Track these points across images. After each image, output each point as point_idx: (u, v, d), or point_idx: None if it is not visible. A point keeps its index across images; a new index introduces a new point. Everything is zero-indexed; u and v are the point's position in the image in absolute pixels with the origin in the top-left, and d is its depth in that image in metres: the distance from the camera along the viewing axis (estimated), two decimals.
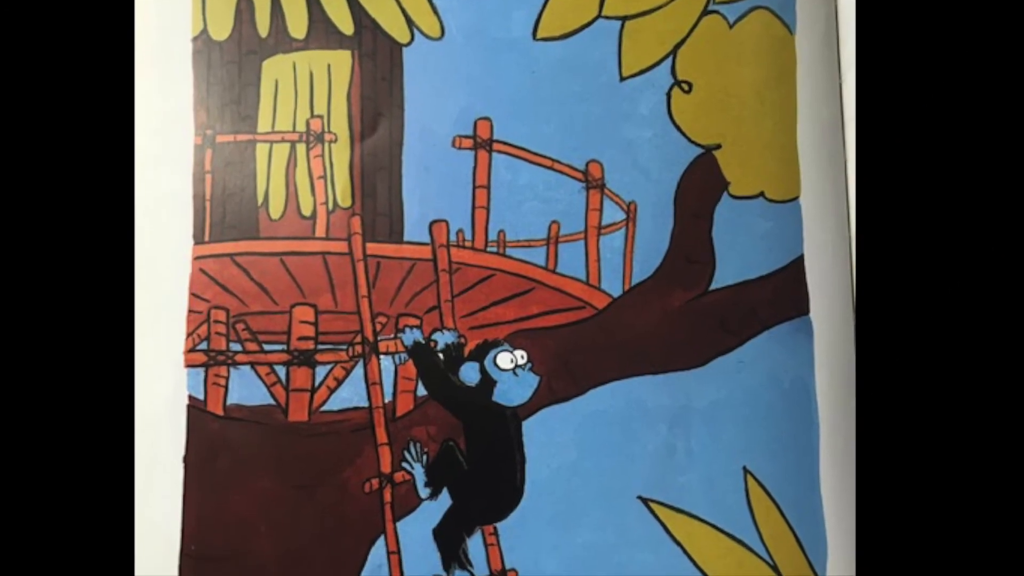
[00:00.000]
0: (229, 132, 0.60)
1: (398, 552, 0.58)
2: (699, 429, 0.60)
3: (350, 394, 0.59)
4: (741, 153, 0.62)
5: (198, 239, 0.59)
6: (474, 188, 0.61)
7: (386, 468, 0.59)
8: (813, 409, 0.60)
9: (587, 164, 0.61)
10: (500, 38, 0.62)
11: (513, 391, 0.59)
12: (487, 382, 0.59)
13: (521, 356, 0.59)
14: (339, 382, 0.59)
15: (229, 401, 0.59)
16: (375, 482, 0.58)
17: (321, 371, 0.59)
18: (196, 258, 0.59)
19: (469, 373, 0.60)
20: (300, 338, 0.59)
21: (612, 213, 0.61)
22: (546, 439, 0.59)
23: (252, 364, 0.59)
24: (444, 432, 0.59)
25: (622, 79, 0.62)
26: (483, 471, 0.59)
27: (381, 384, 0.59)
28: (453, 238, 0.60)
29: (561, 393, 0.60)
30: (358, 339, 0.59)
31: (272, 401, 0.59)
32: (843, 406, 0.60)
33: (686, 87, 0.62)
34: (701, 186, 0.62)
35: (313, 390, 0.59)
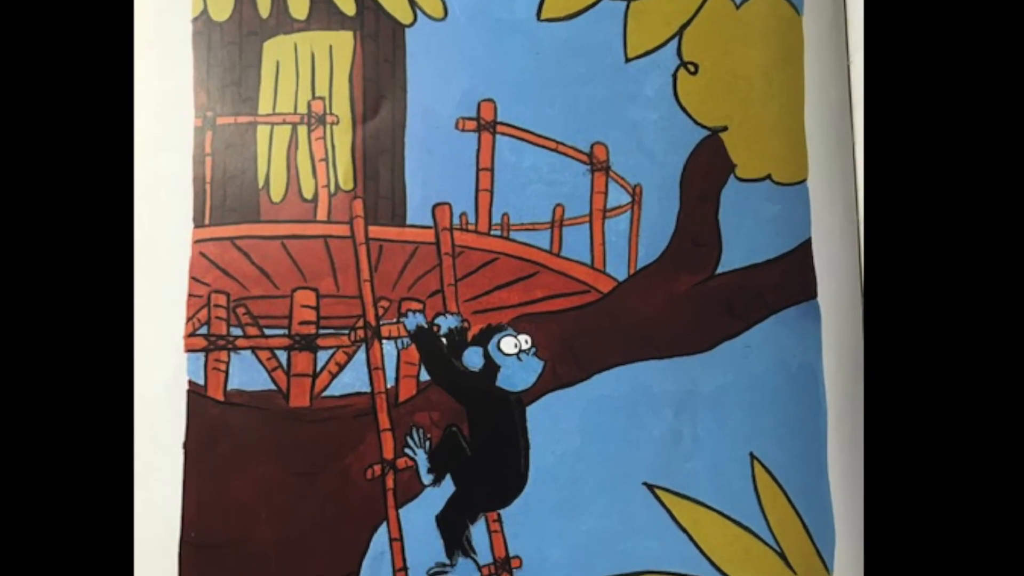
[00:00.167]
0: (230, 114, 0.60)
1: (400, 539, 0.57)
2: (705, 414, 0.59)
3: (352, 379, 0.59)
4: (748, 135, 0.62)
5: (198, 222, 0.59)
6: (478, 171, 0.60)
7: (388, 454, 0.58)
8: (821, 394, 0.60)
9: (592, 146, 0.61)
10: (504, 19, 0.61)
11: (517, 376, 0.59)
12: (491, 367, 0.59)
13: (525, 341, 0.59)
14: (341, 367, 0.59)
15: (229, 386, 0.58)
16: (377, 468, 0.58)
17: (323, 356, 0.59)
18: (196, 241, 0.59)
19: (472, 358, 0.59)
20: (301, 322, 0.59)
21: (617, 196, 0.61)
22: (550, 425, 0.59)
23: (253, 349, 0.58)
24: (447, 418, 0.59)
25: (627, 60, 0.61)
26: (487, 457, 0.58)
27: (383, 369, 0.59)
28: (456, 221, 0.60)
29: (565, 378, 0.59)
30: (360, 323, 0.59)
31: (273, 386, 0.58)
32: (851, 391, 0.60)
33: (692, 68, 0.62)
34: (707, 169, 0.61)
35: (315, 375, 0.58)
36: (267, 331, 0.59)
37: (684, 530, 0.58)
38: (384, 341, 0.59)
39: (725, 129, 0.61)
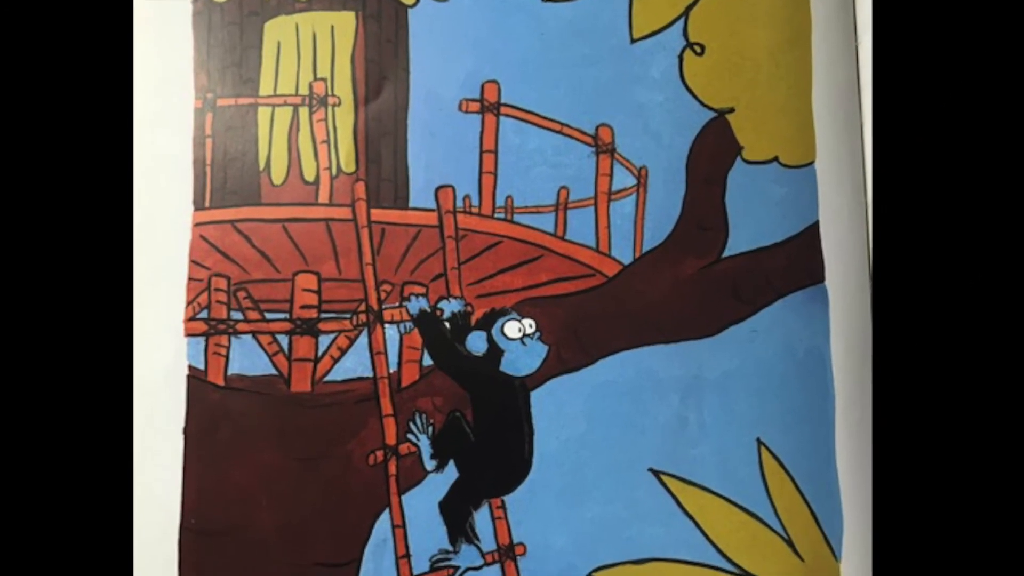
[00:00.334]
0: (230, 95, 0.59)
1: (403, 526, 0.57)
2: (711, 400, 0.59)
3: (354, 364, 0.58)
4: (755, 117, 0.61)
5: (198, 205, 0.59)
6: (481, 153, 0.59)
7: (391, 440, 0.58)
8: (828, 379, 0.59)
9: (597, 128, 0.60)
10: None
11: (521, 361, 0.58)
12: (494, 352, 0.58)
13: (529, 325, 0.58)
14: (343, 352, 0.58)
15: (230, 371, 0.58)
16: (379, 454, 0.57)
17: (324, 340, 0.58)
18: (196, 224, 0.58)
19: (476, 342, 0.58)
20: (303, 306, 0.58)
21: (622, 178, 0.60)
22: (555, 410, 0.58)
23: (254, 333, 0.58)
24: (450, 403, 0.58)
25: (633, 41, 0.61)
26: (490, 443, 0.58)
27: (386, 354, 0.58)
28: (460, 204, 0.59)
29: (570, 363, 0.59)
30: (362, 308, 0.58)
31: (274, 371, 0.58)
32: (859, 376, 0.59)
33: (698, 49, 0.61)
34: (714, 151, 0.60)
35: (316, 360, 0.58)
36: (268, 315, 0.58)
37: (690, 517, 0.58)
38: (386, 325, 0.58)
39: (732, 111, 0.61)
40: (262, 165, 0.59)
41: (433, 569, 0.57)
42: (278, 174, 0.59)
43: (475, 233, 0.59)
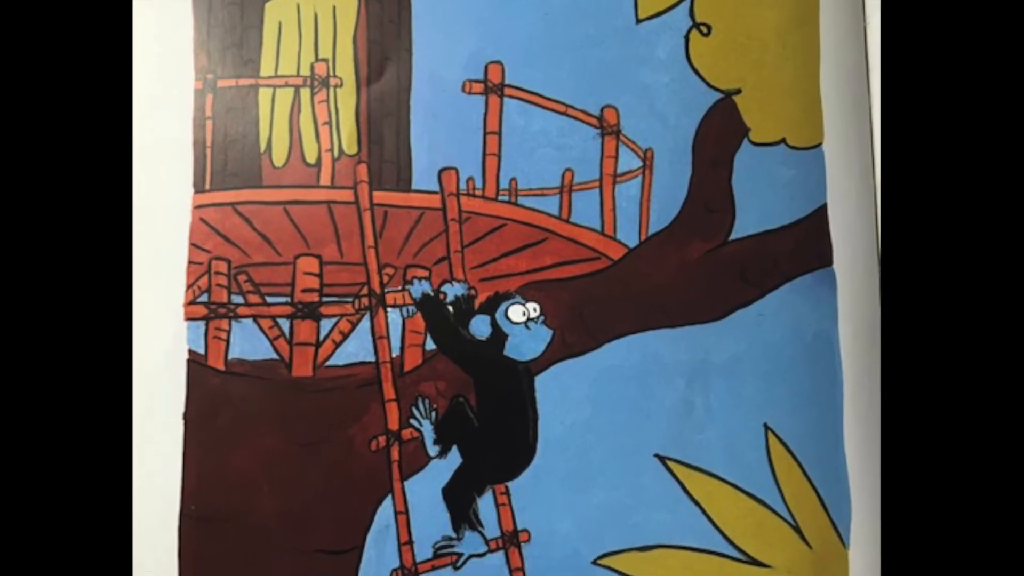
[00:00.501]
0: (231, 76, 0.59)
1: (406, 512, 0.57)
2: (718, 384, 0.58)
3: (356, 348, 0.58)
4: (762, 98, 0.60)
5: (198, 187, 0.58)
6: (485, 134, 0.59)
7: (393, 425, 0.57)
8: (836, 363, 0.59)
9: (602, 110, 0.60)
10: None
11: (525, 345, 0.58)
12: (498, 336, 0.58)
13: (534, 309, 0.58)
14: (345, 336, 0.58)
15: (230, 355, 0.57)
16: (382, 439, 0.57)
17: (326, 324, 0.58)
18: (196, 207, 0.58)
19: (480, 326, 0.58)
20: (304, 290, 0.58)
21: (628, 160, 0.60)
22: (560, 395, 0.58)
23: (254, 317, 0.58)
24: (454, 388, 0.58)
25: (638, 21, 0.60)
26: (494, 428, 0.57)
27: (388, 338, 0.58)
28: (463, 186, 0.59)
29: (575, 347, 0.58)
30: (364, 291, 0.58)
31: (275, 355, 0.58)
32: (868, 360, 0.59)
33: (705, 30, 0.61)
34: (720, 132, 0.60)
35: (318, 344, 0.58)
36: (269, 299, 0.58)
37: (696, 503, 0.57)
38: (389, 309, 0.58)
39: (739, 92, 0.60)
40: (263, 147, 0.59)
41: (436, 556, 0.56)
42: (279, 156, 0.59)
43: (479, 216, 0.59)
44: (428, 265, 0.58)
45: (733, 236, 0.60)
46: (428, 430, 0.57)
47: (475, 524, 0.57)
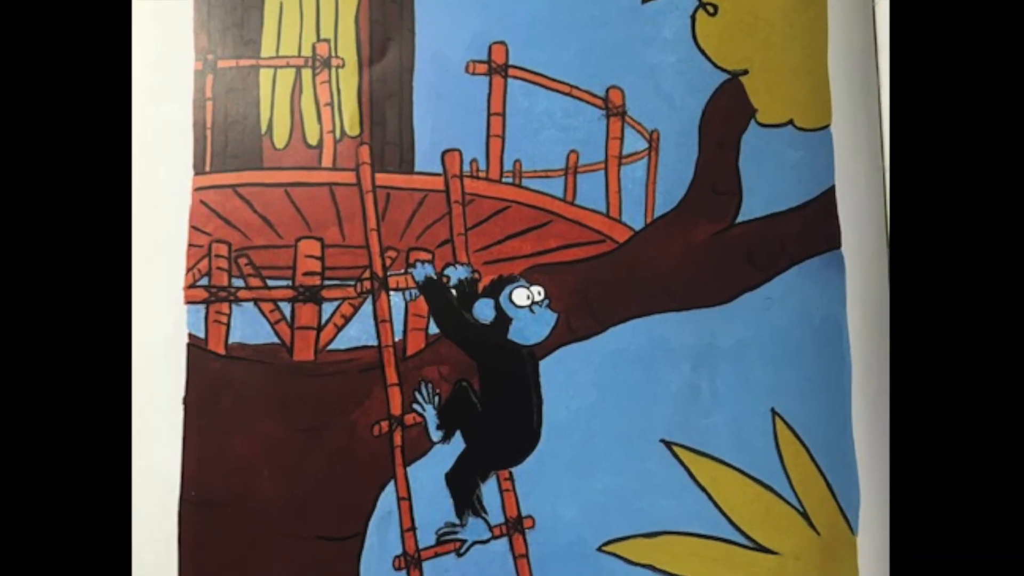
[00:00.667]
0: (231, 57, 0.58)
1: (408, 498, 0.56)
2: (725, 369, 0.58)
3: (358, 332, 0.57)
4: (769, 79, 0.60)
5: (199, 169, 0.58)
6: (489, 116, 0.59)
7: (396, 410, 0.57)
8: (845, 348, 0.58)
9: (607, 91, 0.59)
10: None
11: (530, 329, 0.57)
12: (502, 319, 0.57)
13: (538, 292, 0.57)
14: (347, 320, 0.57)
15: (231, 339, 0.57)
16: (384, 425, 0.57)
17: (328, 308, 0.57)
18: (196, 189, 0.57)
19: (483, 310, 0.57)
20: (306, 273, 0.57)
21: (633, 142, 0.59)
22: (564, 379, 0.57)
23: (255, 301, 0.57)
24: (457, 372, 0.57)
25: (644, 1, 0.60)
26: (498, 413, 0.57)
27: (391, 322, 0.57)
28: (467, 168, 0.58)
29: (580, 331, 0.58)
30: (367, 274, 0.57)
31: (276, 339, 0.57)
32: (876, 344, 0.58)
33: (711, 9, 0.60)
34: (727, 114, 0.60)
35: (319, 328, 0.57)
36: (270, 282, 0.57)
37: (703, 489, 0.57)
38: (391, 293, 0.57)
39: (745, 72, 0.60)
40: (264, 128, 0.58)
41: (439, 543, 0.56)
42: (280, 137, 0.58)
43: (482, 198, 0.58)
44: (431, 248, 0.58)
45: (740, 218, 0.59)
46: (431, 415, 0.57)
47: (479, 510, 0.56)
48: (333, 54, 0.59)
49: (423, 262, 0.58)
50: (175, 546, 0.55)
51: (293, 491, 0.56)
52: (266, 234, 0.57)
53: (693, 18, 0.60)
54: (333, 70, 0.59)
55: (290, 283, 0.57)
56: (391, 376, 0.57)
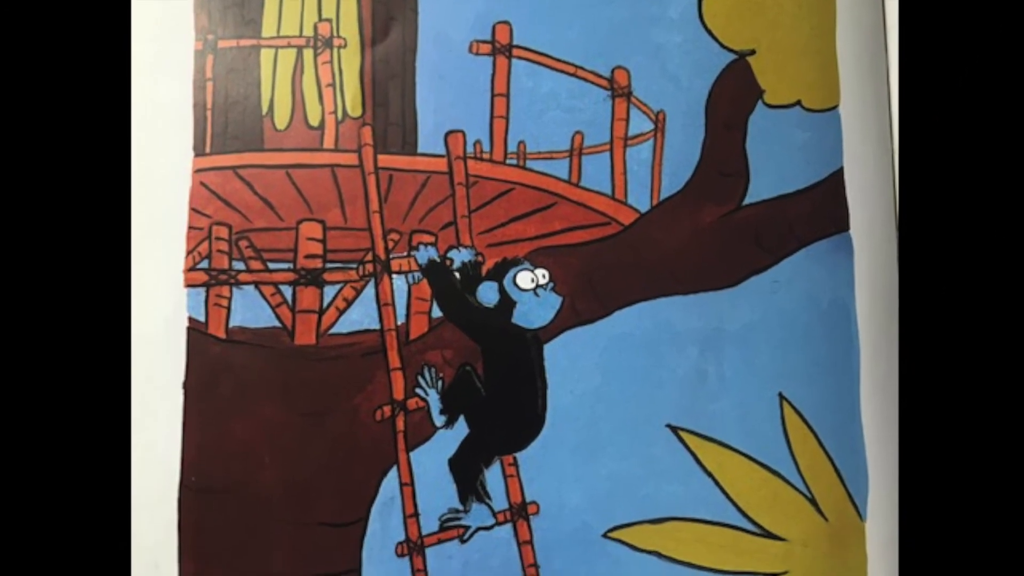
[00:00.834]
0: (232, 37, 0.58)
1: (411, 483, 0.56)
2: (732, 353, 0.57)
3: (360, 316, 0.57)
4: (777, 59, 0.59)
5: (199, 151, 0.57)
6: (492, 96, 0.58)
7: (399, 394, 0.56)
8: (853, 332, 0.58)
9: (613, 71, 0.59)
10: None
11: (534, 312, 0.57)
12: (506, 303, 0.57)
13: (542, 275, 0.57)
14: (349, 303, 0.57)
15: (232, 323, 0.56)
16: (387, 409, 0.56)
17: (329, 291, 0.57)
18: (196, 171, 0.57)
19: (487, 293, 0.57)
20: (307, 256, 0.57)
21: (639, 123, 0.59)
22: (569, 363, 0.57)
23: (256, 284, 0.57)
24: (460, 356, 0.57)
25: None
26: (502, 398, 0.56)
27: (393, 305, 0.57)
28: (470, 150, 0.58)
29: (585, 315, 0.57)
30: (369, 257, 0.57)
31: (277, 323, 0.56)
32: (885, 328, 0.58)
33: None
34: (734, 94, 0.59)
35: (321, 311, 0.57)
36: (271, 265, 0.57)
37: (709, 474, 0.56)
38: (394, 276, 0.57)
39: (753, 52, 0.59)
40: (265, 109, 0.57)
41: (443, 529, 0.55)
42: (281, 118, 0.57)
43: (486, 180, 0.58)
44: (434, 230, 0.57)
45: (747, 201, 0.58)
46: (434, 399, 0.56)
47: (482, 496, 0.56)
48: (335, 34, 0.58)
49: (426, 245, 0.57)
50: (175, 533, 0.54)
51: (294, 477, 0.55)
52: (267, 216, 0.57)
53: None
54: (335, 50, 0.58)
55: (291, 266, 0.57)
56: (394, 360, 0.56)
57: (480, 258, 0.57)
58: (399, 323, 0.57)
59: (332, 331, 0.56)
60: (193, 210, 0.56)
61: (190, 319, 0.56)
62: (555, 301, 0.57)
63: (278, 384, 0.56)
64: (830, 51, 0.60)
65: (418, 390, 0.56)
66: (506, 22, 0.58)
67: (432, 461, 0.56)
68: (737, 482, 0.56)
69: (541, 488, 0.56)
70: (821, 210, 0.58)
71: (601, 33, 0.59)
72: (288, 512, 0.55)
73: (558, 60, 0.58)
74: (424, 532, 0.55)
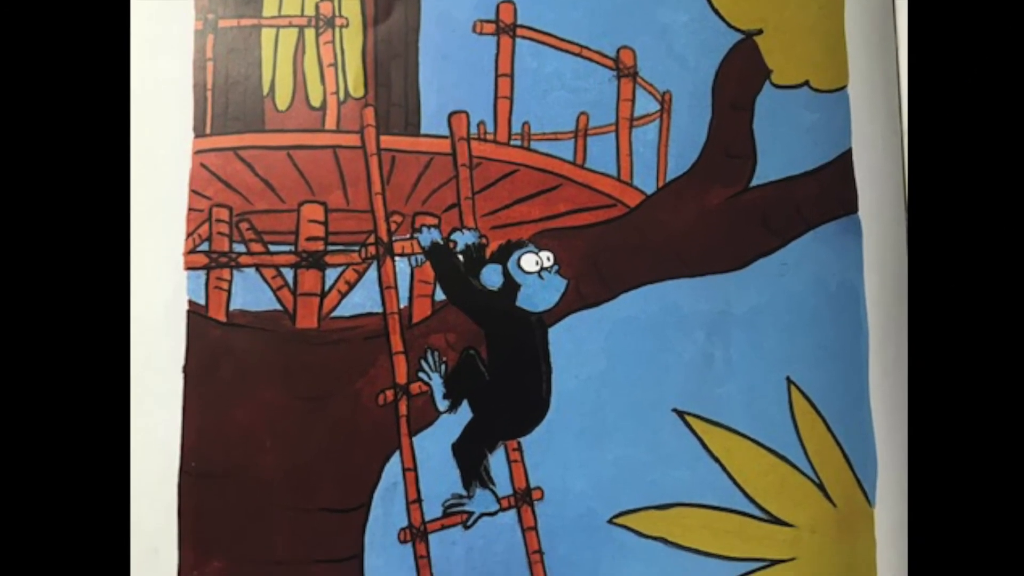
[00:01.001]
0: (232, 16, 0.57)
1: (414, 469, 0.55)
2: (739, 336, 0.57)
3: (363, 299, 0.56)
4: (784, 39, 0.59)
5: (199, 132, 0.57)
6: (496, 77, 0.57)
7: (401, 379, 0.56)
8: (862, 315, 0.57)
9: (618, 51, 0.58)
10: None
11: (538, 295, 0.56)
12: (510, 286, 0.56)
13: (547, 258, 0.56)
14: (351, 286, 0.56)
15: (232, 306, 0.56)
16: (390, 394, 0.55)
17: (331, 274, 0.56)
18: (197, 152, 0.56)
19: (491, 276, 0.56)
20: (309, 238, 0.56)
21: (645, 104, 0.58)
22: (574, 347, 0.56)
23: (257, 266, 0.56)
24: (464, 340, 0.56)
25: None
26: (506, 382, 0.56)
27: (396, 288, 0.56)
28: (474, 131, 0.57)
29: (590, 298, 0.57)
30: (371, 240, 0.56)
31: (278, 306, 0.56)
32: (894, 311, 0.57)
33: None
34: (741, 75, 0.58)
35: (323, 295, 0.56)
36: (272, 247, 0.56)
37: (716, 459, 0.56)
38: (397, 258, 0.56)
39: (760, 32, 0.59)
40: (266, 90, 0.57)
41: (446, 515, 0.55)
42: (283, 99, 0.57)
43: (490, 161, 0.57)
44: (437, 212, 0.57)
45: (754, 182, 0.58)
46: (437, 384, 0.56)
47: (486, 481, 0.55)
48: (337, 13, 0.58)
49: (429, 227, 0.56)
50: (175, 519, 0.54)
51: (296, 462, 0.54)
52: (268, 198, 0.56)
53: None
54: (337, 30, 0.57)
55: (293, 248, 0.56)
56: (396, 344, 0.55)
57: (484, 240, 0.57)
58: (402, 306, 0.56)
59: (334, 314, 0.56)
60: (193, 192, 0.56)
61: (190, 302, 0.55)
62: (560, 284, 0.56)
63: (279, 368, 0.55)
64: (838, 30, 0.59)
65: (421, 374, 0.56)
66: (510, 1, 0.58)
67: (435, 446, 0.55)
68: (744, 467, 0.56)
69: (546, 473, 0.55)
70: (829, 192, 0.58)
71: (606, 12, 0.58)
72: (289, 498, 0.54)
73: (563, 40, 0.58)
74: (427, 518, 0.55)
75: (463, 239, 0.56)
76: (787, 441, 0.56)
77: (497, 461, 0.55)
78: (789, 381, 0.56)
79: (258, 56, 0.57)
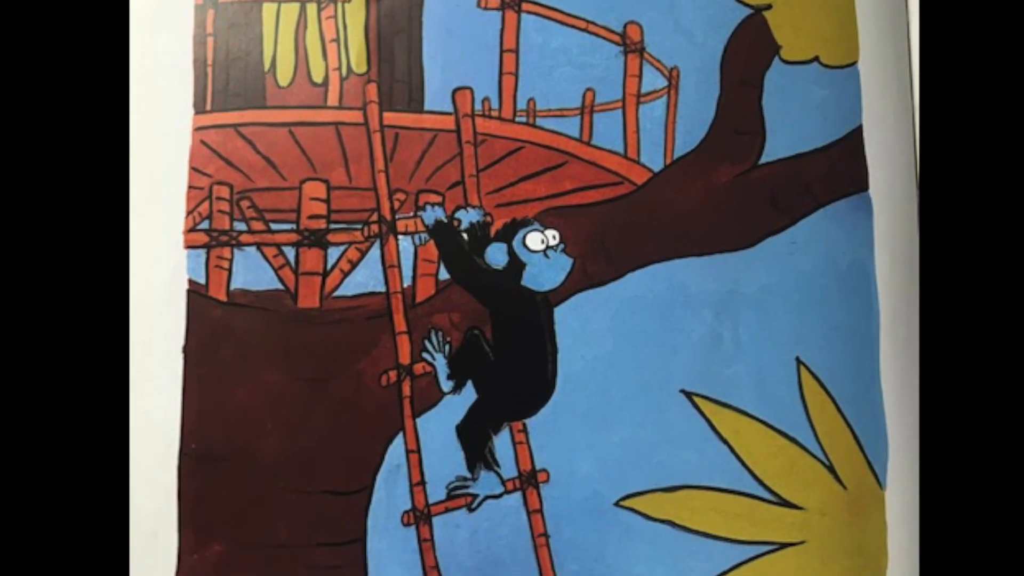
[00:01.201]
0: None
1: (418, 451, 0.54)
2: (748, 316, 0.56)
3: (365, 278, 0.56)
4: (794, 14, 0.58)
5: (199, 108, 0.56)
6: (501, 52, 0.57)
7: (405, 359, 0.55)
8: (872, 294, 0.57)
9: (625, 26, 0.58)
10: None
11: (544, 274, 0.56)
12: (516, 265, 0.56)
13: (553, 236, 0.56)
14: (353, 265, 0.56)
15: (233, 285, 0.55)
16: (393, 374, 0.55)
17: (334, 253, 0.56)
18: (197, 129, 0.56)
19: (496, 255, 0.56)
20: (310, 216, 0.56)
21: (652, 80, 0.57)
22: (580, 327, 0.55)
23: (258, 245, 0.56)
24: (468, 320, 0.55)
25: None
26: (511, 362, 0.55)
27: (399, 267, 0.56)
28: (478, 107, 0.57)
29: (597, 277, 0.56)
30: (374, 218, 0.56)
31: (280, 285, 0.55)
32: (905, 291, 0.56)
33: None
34: (750, 50, 0.58)
35: (325, 273, 0.55)
36: (273, 226, 0.56)
37: (725, 441, 0.55)
38: (400, 237, 0.56)
39: (769, 7, 0.58)
40: (267, 66, 0.56)
41: (450, 497, 0.54)
42: (284, 75, 0.56)
43: (495, 138, 0.56)
44: (441, 190, 0.56)
45: (763, 160, 0.57)
46: (441, 364, 0.55)
47: (491, 464, 0.54)
48: None
49: (433, 205, 0.56)
50: (174, 501, 0.53)
51: (297, 444, 0.54)
52: (269, 176, 0.56)
53: None
54: (339, 5, 0.57)
55: (294, 227, 0.55)
56: (399, 324, 0.55)
57: (488, 218, 0.56)
58: (405, 286, 0.55)
59: (336, 294, 0.55)
60: (193, 169, 0.55)
61: (190, 281, 0.55)
62: (566, 263, 0.55)
63: (280, 348, 0.54)
64: (849, 5, 0.58)
65: (425, 354, 0.55)
66: None
67: (439, 428, 0.55)
68: (753, 449, 0.55)
69: (551, 455, 0.55)
70: (839, 169, 0.57)
71: None
72: (291, 480, 0.54)
73: (569, 15, 0.57)
74: (431, 500, 0.54)
75: (467, 217, 0.56)
76: (797, 423, 0.56)
77: (502, 443, 0.55)
78: (799, 361, 0.56)
79: (259, 31, 0.57)
